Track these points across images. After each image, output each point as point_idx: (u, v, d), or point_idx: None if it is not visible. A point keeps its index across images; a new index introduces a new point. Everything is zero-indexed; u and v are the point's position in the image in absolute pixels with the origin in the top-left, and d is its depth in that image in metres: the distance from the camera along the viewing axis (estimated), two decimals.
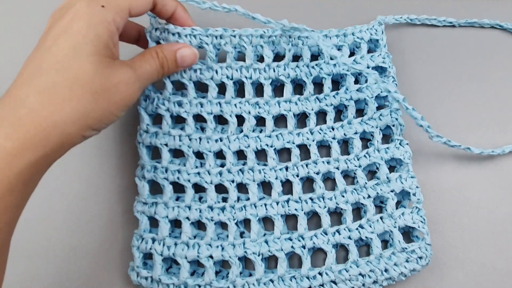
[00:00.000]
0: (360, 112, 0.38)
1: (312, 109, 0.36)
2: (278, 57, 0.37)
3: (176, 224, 0.36)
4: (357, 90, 0.37)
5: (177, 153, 0.37)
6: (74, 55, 0.27)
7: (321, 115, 0.37)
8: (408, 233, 0.36)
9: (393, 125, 0.36)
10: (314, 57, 0.38)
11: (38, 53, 0.28)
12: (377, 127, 0.36)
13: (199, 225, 0.36)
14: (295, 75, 0.36)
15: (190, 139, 0.35)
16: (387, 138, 0.38)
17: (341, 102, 0.37)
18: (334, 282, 0.33)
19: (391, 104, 0.37)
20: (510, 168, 0.39)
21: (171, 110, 0.35)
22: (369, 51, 0.39)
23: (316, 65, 0.37)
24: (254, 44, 0.36)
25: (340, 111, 0.38)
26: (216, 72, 0.35)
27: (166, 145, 0.35)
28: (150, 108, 0.35)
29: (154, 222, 0.35)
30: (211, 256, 0.34)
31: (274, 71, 0.36)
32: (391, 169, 0.37)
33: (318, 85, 0.38)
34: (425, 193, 0.38)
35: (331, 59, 0.37)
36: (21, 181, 0.25)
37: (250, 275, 0.34)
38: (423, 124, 0.35)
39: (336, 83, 0.38)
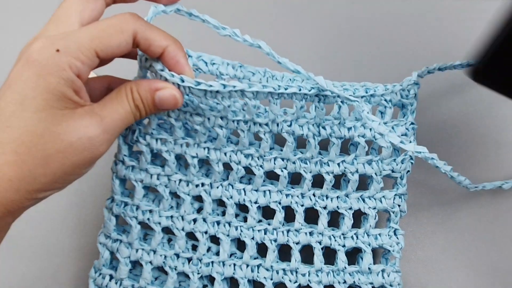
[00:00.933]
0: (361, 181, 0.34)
1: (310, 172, 0.32)
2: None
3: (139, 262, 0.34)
4: (367, 162, 0.32)
5: (153, 188, 0.34)
6: (20, 111, 0.24)
7: (318, 177, 0.33)
8: None
9: (393, 212, 0.33)
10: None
11: None
12: (374, 209, 0.33)
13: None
14: (300, 133, 0.32)
15: (168, 180, 0.32)
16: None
17: (344, 172, 0.32)
18: None
19: (398, 186, 0.33)
20: None
21: (151, 147, 0.31)
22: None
23: (330, 126, 0.32)
24: (259, 98, 0.30)
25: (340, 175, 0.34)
26: (209, 119, 0.31)
27: (142, 181, 0.32)
28: (129, 138, 0.32)
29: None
30: None
31: (278, 126, 0.31)
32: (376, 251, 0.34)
33: (323, 143, 0.34)
34: (425, 193, 0.37)
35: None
36: None
37: None
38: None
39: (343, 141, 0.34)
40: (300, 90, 0.30)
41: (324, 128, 0.32)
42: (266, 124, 0.31)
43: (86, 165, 0.26)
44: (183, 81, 0.28)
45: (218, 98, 0.29)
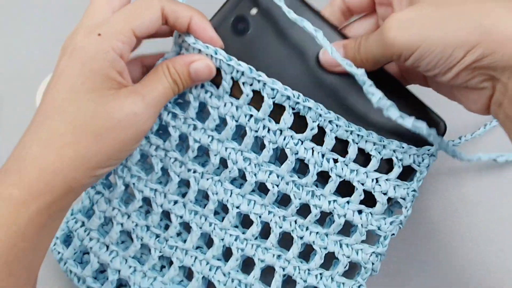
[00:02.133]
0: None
1: (300, 199, 0.32)
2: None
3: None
4: (357, 211, 0.31)
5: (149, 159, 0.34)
6: (71, 96, 0.26)
7: (306, 206, 0.33)
8: None
9: (365, 267, 0.31)
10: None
11: (46, 96, 0.27)
12: (348, 257, 0.31)
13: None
14: (303, 156, 0.31)
15: (165, 155, 0.33)
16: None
17: (331, 212, 0.32)
18: None
19: (378, 245, 0.31)
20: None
21: (161, 117, 0.32)
22: None
23: (333, 161, 0.31)
24: (276, 100, 0.31)
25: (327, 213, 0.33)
26: (225, 105, 0.31)
27: (140, 147, 0.33)
28: None
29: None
30: (119, 271, 0.33)
31: (284, 139, 0.31)
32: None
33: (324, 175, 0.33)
34: (425, 193, 0.38)
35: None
36: (32, 228, 0.26)
37: None
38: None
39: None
40: (317, 108, 0.30)
41: (327, 160, 0.31)
42: (274, 133, 0.31)
43: (135, 141, 0.28)
44: (216, 53, 0.29)
45: (240, 83, 0.30)
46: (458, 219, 0.37)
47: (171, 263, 0.33)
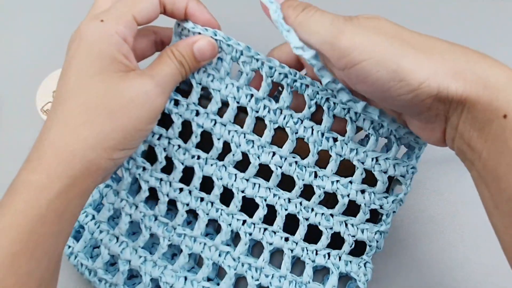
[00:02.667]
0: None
1: (303, 180, 0.32)
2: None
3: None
4: (360, 190, 0.31)
5: (150, 151, 0.34)
6: (82, 79, 0.27)
7: (309, 188, 0.33)
8: None
9: (370, 245, 0.32)
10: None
11: (59, 83, 0.28)
12: (353, 237, 0.32)
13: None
14: (303, 135, 0.31)
15: (168, 143, 0.33)
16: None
17: (335, 192, 0.32)
18: None
19: (382, 223, 0.32)
20: None
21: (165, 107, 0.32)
22: None
23: (333, 140, 0.31)
24: (274, 78, 0.31)
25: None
26: (226, 87, 0.32)
27: (144, 141, 0.33)
28: None
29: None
30: (129, 261, 0.33)
31: (284, 118, 0.31)
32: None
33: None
34: (425, 193, 0.37)
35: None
36: (52, 212, 0.26)
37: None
38: None
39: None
40: (314, 85, 0.30)
41: (327, 139, 0.31)
42: (275, 112, 0.31)
43: (149, 119, 0.29)
44: (216, 34, 0.30)
45: (239, 63, 0.31)
46: (458, 219, 0.37)
47: (181, 251, 0.34)
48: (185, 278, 0.33)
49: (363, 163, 0.31)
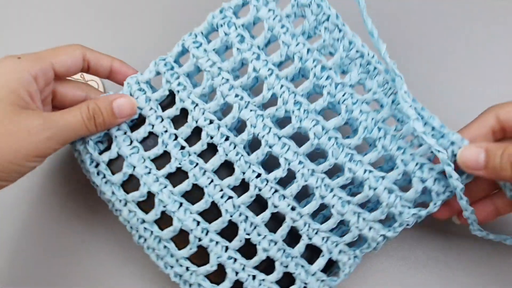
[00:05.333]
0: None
1: (336, 158, 0.31)
2: None
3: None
4: (389, 190, 0.30)
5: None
6: None
7: (337, 170, 0.32)
8: None
9: (368, 244, 0.31)
10: None
11: None
12: (360, 231, 0.31)
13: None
14: (356, 117, 0.31)
15: (219, 73, 0.32)
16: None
17: (363, 183, 0.31)
18: None
19: (391, 229, 0.31)
20: None
21: (229, 36, 0.32)
22: None
23: (384, 132, 0.31)
24: (349, 55, 0.31)
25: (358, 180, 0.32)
26: (297, 44, 0.31)
27: (198, 59, 0.32)
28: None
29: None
30: (134, 167, 0.32)
31: (343, 95, 0.31)
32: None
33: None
34: None
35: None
36: None
37: None
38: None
39: None
40: (387, 73, 0.31)
41: (379, 129, 0.31)
42: (336, 85, 0.31)
43: (27, 156, 0.28)
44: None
45: (321, 28, 0.32)
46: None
47: (187, 178, 0.32)
48: (180, 204, 0.32)
49: (406, 164, 0.30)
